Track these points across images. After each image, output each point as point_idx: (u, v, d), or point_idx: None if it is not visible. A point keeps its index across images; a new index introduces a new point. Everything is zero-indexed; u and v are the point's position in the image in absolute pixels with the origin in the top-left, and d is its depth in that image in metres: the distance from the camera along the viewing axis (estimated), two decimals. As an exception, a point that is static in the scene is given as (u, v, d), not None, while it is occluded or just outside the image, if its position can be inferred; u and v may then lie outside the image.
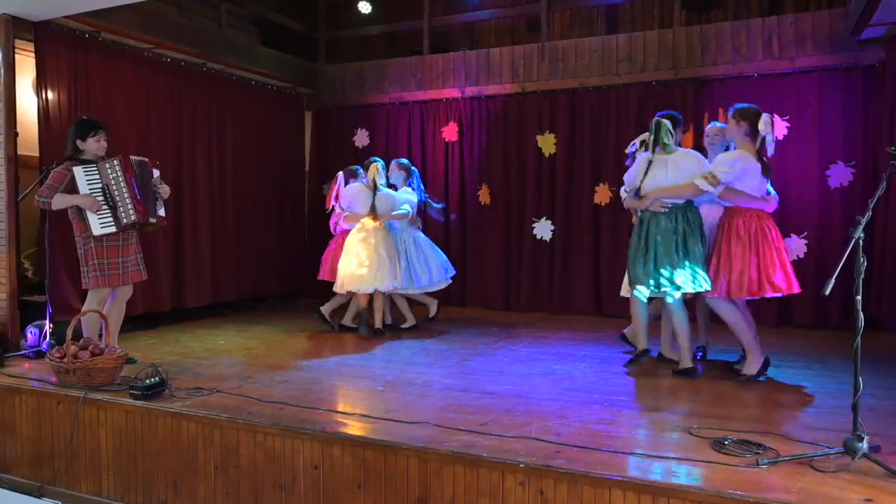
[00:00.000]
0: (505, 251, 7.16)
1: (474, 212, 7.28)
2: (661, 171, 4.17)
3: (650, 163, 4.21)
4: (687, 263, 4.09)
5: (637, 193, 4.25)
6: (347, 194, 5.74)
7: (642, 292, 4.28)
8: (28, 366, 4.49)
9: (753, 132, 4.00)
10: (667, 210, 4.14)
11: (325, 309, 5.99)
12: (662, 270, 4.12)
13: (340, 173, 5.95)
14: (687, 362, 4.22)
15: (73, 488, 3.76)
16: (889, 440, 2.92)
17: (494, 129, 7.15)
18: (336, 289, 5.73)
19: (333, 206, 5.92)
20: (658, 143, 4.21)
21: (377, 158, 5.86)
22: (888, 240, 5.36)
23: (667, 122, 4.22)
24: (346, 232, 5.79)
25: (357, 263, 5.53)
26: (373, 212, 5.58)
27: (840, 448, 2.70)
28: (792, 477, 2.57)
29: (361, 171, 5.93)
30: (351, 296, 5.87)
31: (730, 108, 4.20)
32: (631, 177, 4.38)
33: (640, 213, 4.35)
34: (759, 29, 6.14)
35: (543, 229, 6.96)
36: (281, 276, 7.63)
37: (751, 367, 4.10)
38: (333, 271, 5.78)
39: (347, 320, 5.95)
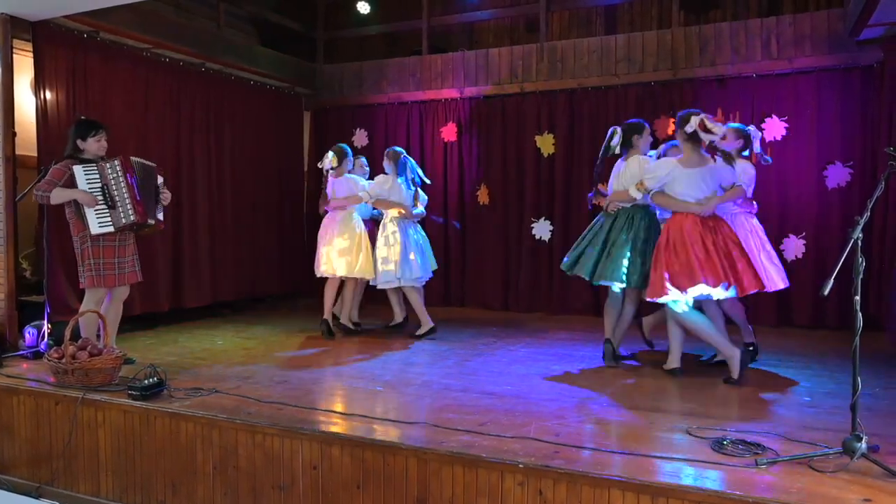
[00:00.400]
0: (504, 251, 7.16)
1: (473, 212, 7.28)
2: (614, 176, 4.57)
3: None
4: (621, 257, 4.41)
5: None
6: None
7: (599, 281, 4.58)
8: (26, 366, 4.48)
9: (694, 136, 4.04)
10: (616, 211, 4.52)
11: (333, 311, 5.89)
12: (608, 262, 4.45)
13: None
14: (674, 362, 4.28)
15: (71, 489, 3.76)
16: (887, 440, 2.93)
17: (493, 129, 7.16)
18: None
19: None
20: (607, 150, 4.53)
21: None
22: (887, 240, 5.36)
23: (618, 129, 4.50)
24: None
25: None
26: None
27: (839, 448, 2.71)
28: (791, 477, 2.57)
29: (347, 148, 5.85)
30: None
31: (724, 109, 4.28)
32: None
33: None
34: (758, 29, 6.14)
35: (542, 229, 6.96)
36: (280, 276, 7.63)
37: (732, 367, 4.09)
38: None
39: (345, 318, 5.89)
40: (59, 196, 4.25)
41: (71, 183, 4.26)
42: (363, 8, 7.98)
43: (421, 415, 3.41)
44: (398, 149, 5.84)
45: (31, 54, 5.22)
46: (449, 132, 7.34)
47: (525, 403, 3.63)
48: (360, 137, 7.78)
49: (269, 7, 7.69)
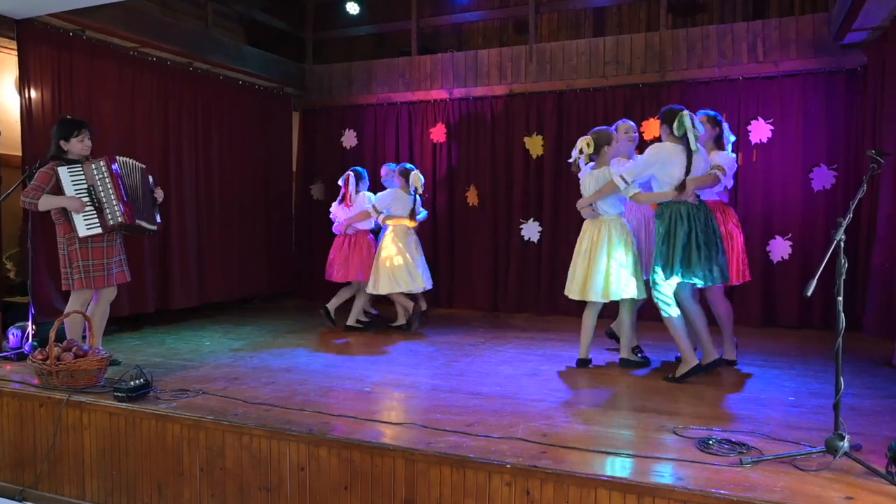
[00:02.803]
0: (493, 252, 7.17)
1: (462, 213, 7.29)
2: (583, 183, 4.65)
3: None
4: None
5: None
6: (388, 197, 5.92)
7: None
8: (10, 368, 4.44)
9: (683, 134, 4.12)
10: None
11: (332, 305, 6.13)
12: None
13: (351, 173, 6.09)
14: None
15: (55, 492, 3.72)
16: (870, 439, 2.96)
17: (482, 130, 7.17)
18: (381, 290, 5.82)
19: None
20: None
21: (412, 166, 6.08)
22: (869, 241, 5.41)
23: (589, 139, 4.57)
24: (363, 232, 6.05)
25: (408, 263, 5.83)
26: (412, 215, 5.95)
27: (822, 447, 2.74)
28: (775, 476, 2.60)
29: (365, 173, 6.22)
30: (352, 295, 6.11)
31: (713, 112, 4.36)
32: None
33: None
34: (744, 33, 6.19)
35: (531, 230, 6.98)
36: (268, 277, 7.60)
37: (682, 368, 4.18)
38: (346, 272, 5.97)
39: (352, 321, 6.01)
40: (46, 204, 4.20)
41: (57, 187, 4.21)
42: (352, 8, 7.96)
43: (409, 415, 3.41)
44: (408, 165, 6.11)
45: (15, 52, 5.17)
46: (438, 133, 7.34)
47: (513, 404, 3.64)
48: (349, 138, 7.77)
49: (257, 7, 7.66)
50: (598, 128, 4.64)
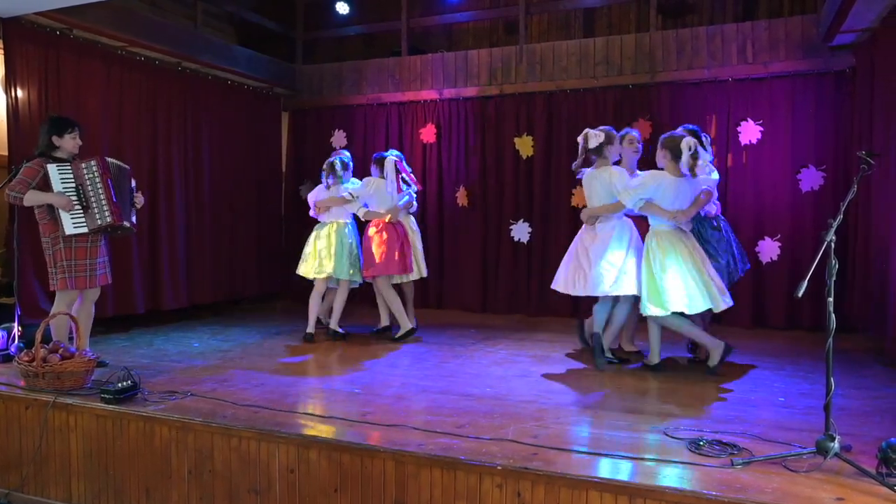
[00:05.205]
0: (482, 253, 7.16)
1: (452, 213, 7.28)
2: (586, 185, 4.74)
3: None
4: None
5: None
6: (363, 186, 5.63)
7: None
8: (-5, 369, 4.39)
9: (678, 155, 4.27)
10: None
11: (333, 324, 5.69)
12: None
13: (397, 158, 5.67)
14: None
15: (41, 495, 3.68)
16: (860, 440, 2.97)
17: (472, 130, 7.16)
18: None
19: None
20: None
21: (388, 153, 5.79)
22: (859, 242, 5.45)
23: (591, 132, 4.61)
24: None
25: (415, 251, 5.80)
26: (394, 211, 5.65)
27: (812, 448, 2.74)
28: (766, 477, 2.60)
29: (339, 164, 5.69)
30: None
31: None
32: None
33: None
34: (734, 34, 6.22)
35: (521, 231, 6.97)
36: (258, 278, 7.56)
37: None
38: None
39: (334, 323, 5.72)
40: (33, 199, 4.17)
41: (45, 183, 4.17)
42: (342, 8, 7.94)
43: (399, 417, 3.39)
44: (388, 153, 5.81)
45: (1, 51, 5.12)
46: (428, 133, 7.33)
47: (503, 405, 3.63)
48: (339, 138, 7.75)
49: (247, 6, 7.62)
50: (604, 127, 4.68)
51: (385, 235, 5.53)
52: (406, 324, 5.56)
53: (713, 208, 4.54)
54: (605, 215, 4.56)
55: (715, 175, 4.56)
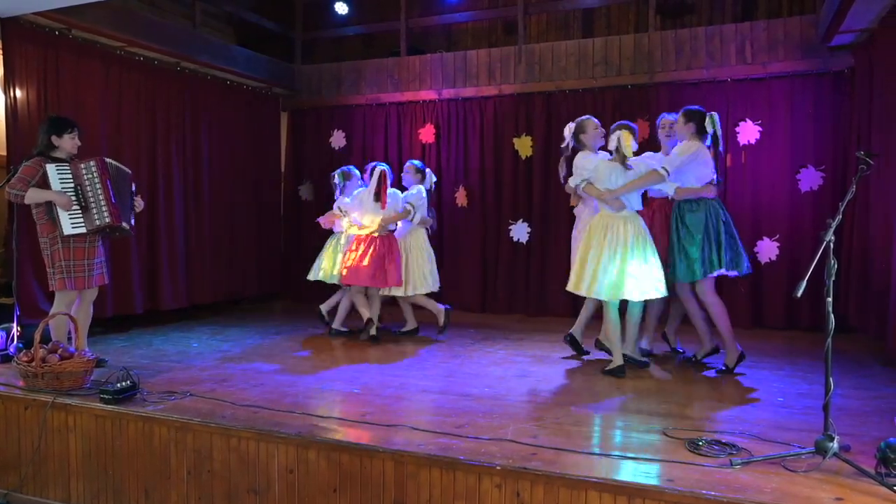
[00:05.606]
0: (482, 253, 7.16)
1: (451, 214, 7.27)
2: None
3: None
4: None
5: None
6: (420, 196, 5.73)
7: None
8: (-6, 370, 4.39)
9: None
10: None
11: (337, 325, 5.83)
12: None
13: (385, 168, 5.68)
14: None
15: (40, 495, 3.68)
16: (859, 440, 2.98)
17: (471, 131, 7.16)
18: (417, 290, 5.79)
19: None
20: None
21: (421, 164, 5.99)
22: (857, 242, 5.45)
23: (571, 126, 4.79)
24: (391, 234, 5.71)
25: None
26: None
27: (811, 448, 2.75)
28: (765, 477, 2.60)
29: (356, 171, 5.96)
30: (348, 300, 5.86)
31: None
32: None
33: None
34: (732, 34, 6.22)
35: (520, 231, 6.97)
36: (257, 278, 7.55)
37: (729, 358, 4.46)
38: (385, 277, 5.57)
39: (337, 324, 5.82)
40: (33, 196, 4.17)
41: (44, 182, 4.17)
42: (341, 8, 7.94)
43: (398, 417, 3.39)
44: (417, 162, 5.99)
45: (0, 51, 5.11)
46: (427, 134, 7.32)
47: (503, 405, 3.63)
48: (338, 138, 7.74)
49: (246, 6, 7.62)
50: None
51: (363, 247, 5.56)
52: (366, 319, 5.59)
53: (669, 189, 4.44)
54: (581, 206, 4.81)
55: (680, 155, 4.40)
